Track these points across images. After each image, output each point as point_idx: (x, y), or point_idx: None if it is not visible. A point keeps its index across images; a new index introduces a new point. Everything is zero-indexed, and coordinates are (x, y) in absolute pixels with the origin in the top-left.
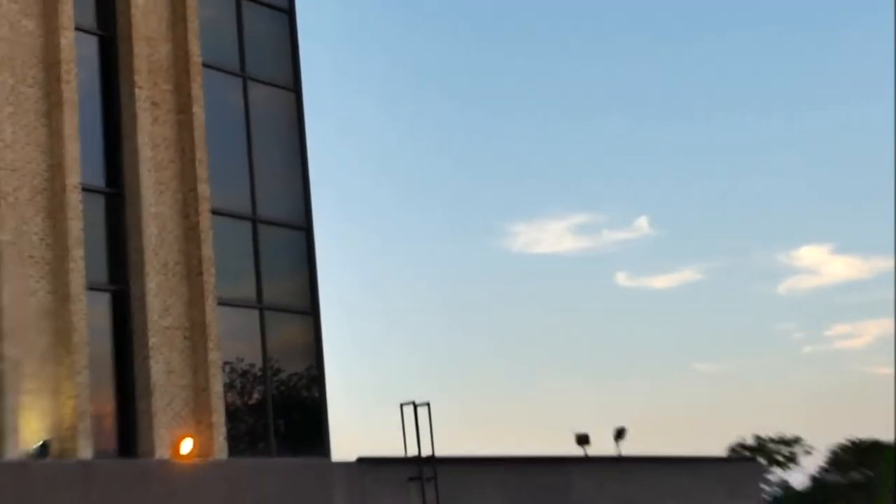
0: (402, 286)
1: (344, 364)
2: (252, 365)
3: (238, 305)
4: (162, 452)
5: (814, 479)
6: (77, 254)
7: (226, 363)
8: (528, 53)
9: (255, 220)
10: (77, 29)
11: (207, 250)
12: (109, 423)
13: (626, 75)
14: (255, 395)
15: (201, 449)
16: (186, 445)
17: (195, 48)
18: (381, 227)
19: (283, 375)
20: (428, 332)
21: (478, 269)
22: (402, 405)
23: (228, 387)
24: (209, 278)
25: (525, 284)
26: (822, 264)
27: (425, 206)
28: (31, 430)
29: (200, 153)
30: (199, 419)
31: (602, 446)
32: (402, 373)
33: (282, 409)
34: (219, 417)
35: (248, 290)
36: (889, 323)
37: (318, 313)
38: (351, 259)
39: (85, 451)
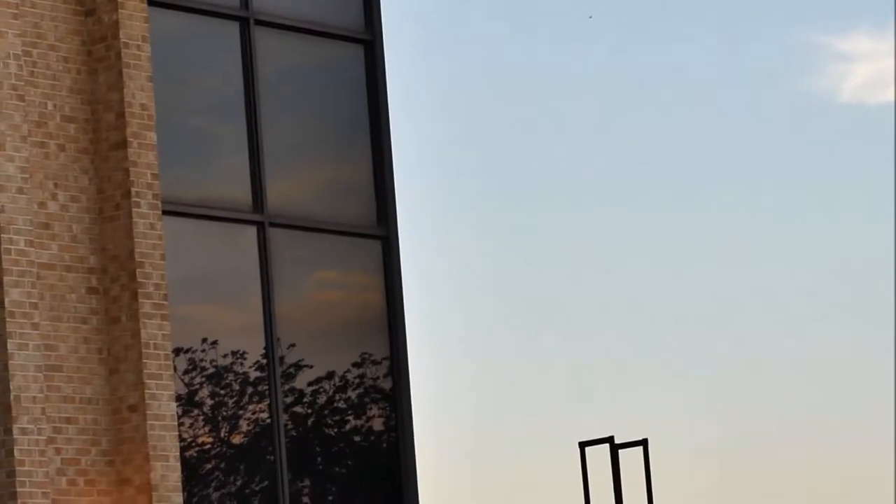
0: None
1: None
2: (242, 354)
3: (211, 216)
4: None
5: None
6: None
7: (182, 350)
8: None
9: (247, 20)
10: None
11: (137, 86)
12: None
13: None
14: (249, 422)
15: None
16: None
17: None
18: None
19: (302, 377)
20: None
21: None
22: (582, 444)
23: (188, 404)
24: (141, 150)
25: None
26: None
27: None
28: None
29: None
30: (125, 476)
31: None
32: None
33: (310, 452)
34: (167, 472)
35: (234, 184)
36: None
37: (395, 236)
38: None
39: None
